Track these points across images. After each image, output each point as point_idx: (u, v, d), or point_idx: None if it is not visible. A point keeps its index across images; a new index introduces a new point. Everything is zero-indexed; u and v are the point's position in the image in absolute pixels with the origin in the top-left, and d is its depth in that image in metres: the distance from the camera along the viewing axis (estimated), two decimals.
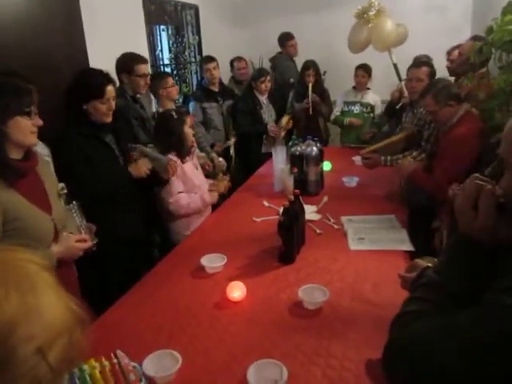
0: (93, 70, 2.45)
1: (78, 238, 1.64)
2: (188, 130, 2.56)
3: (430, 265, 1.06)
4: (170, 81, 3.30)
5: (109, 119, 2.18)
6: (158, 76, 3.39)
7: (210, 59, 3.95)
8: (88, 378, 0.98)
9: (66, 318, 0.56)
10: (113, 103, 2.16)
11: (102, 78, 2.14)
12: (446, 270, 0.81)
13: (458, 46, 3.32)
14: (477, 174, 0.81)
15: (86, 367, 1.01)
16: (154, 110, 3.48)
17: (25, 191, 1.49)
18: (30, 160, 1.54)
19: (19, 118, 1.46)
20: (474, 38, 3.06)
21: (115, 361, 1.06)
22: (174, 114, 2.57)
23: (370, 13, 3.67)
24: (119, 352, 1.12)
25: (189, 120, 2.59)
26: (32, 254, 0.59)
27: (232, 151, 3.94)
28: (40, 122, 1.54)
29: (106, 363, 1.05)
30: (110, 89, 2.13)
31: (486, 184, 0.77)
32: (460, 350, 0.67)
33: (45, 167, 1.66)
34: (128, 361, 1.09)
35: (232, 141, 3.95)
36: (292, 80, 4.71)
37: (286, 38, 4.91)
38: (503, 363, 0.63)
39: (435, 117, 2.40)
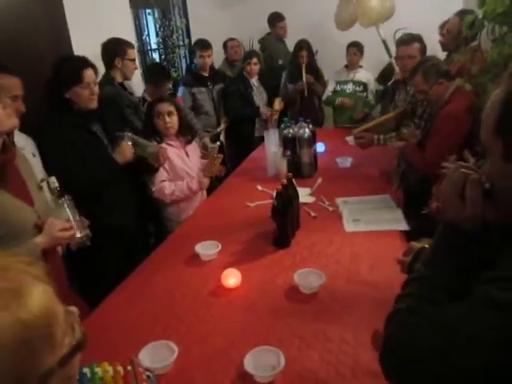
0: (69, 56, 2.39)
1: (61, 226, 1.58)
2: (156, 121, 2.50)
3: (426, 246, 1.04)
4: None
5: (93, 104, 2.11)
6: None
7: (206, 46, 3.84)
8: (99, 382, 0.96)
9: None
10: (95, 88, 2.09)
11: (79, 62, 2.08)
12: (435, 263, 0.80)
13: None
14: (461, 162, 0.80)
15: (98, 370, 0.98)
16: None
17: (5, 185, 1.45)
18: (7, 153, 1.49)
19: None
20: (460, 13, 3.00)
21: (130, 368, 1.03)
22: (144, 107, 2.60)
23: None
24: (136, 359, 1.10)
25: (157, 108, 2.49)
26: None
27: (222, 137, 3.88)
28: (9, 102, 1.48)
29: (120, 369, 1.02)
30: (89, 73, 2.06)
31: (471, 173, 0.76)
32: (453, 346, 0.65)
33: (22, 160, 1.62)
34: (143, 369, 1.07)
35: (222, 126, 3.88)
36: (281, 62, 4.64)
37: (275, 19, 4.80)
38: (497, 357, 0.61)
39: (426, 96, 2.36)
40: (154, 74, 3.30)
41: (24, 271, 0.57)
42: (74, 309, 0.62)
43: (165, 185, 2.47)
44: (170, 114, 2.49)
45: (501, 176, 0.70)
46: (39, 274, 0.58)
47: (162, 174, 2.48)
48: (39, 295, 0.55)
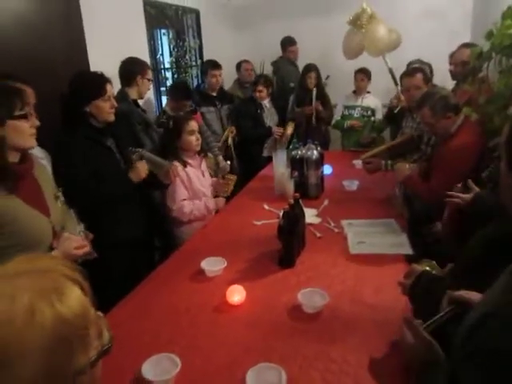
0: (87, 71, 2.46)
1: (77, 244, 1.60)
2: (186, 138, 2.55)
3: (427, 269, 1.06)
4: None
5: (112, 118, 2.18)
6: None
7: (217, 66, 3.95)
8: None
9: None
10: (114, 101, 2.17)
11: (100, 77, 2.16)
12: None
13: None
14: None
15: None
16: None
17: (22, 194, 1.47)
18: (26, 163, 1.52)
19: (16, 121, 1.43)
20: (466, 45, 3.07)
21: None
22: (170, 123, 2.64)
23: (363, 19, 3.68)
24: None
25: (189, 126, 2.56)
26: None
27: (230, 141, 3.93)
28: (37, 123, 1.53)
29: None
30: (109, 87, 2.15)
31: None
32: None
33: (41, 170, 1.65)
34: None
35: (230, 129, 3.93)
36: (292, 84, 4.73)
37: (287, 43, 4.94)
38: None
39: (432, 129, 2.36)
40: (176, 90, 3.49)
41: (64, 274, 0.60)
42: (100, 314, 0.65)
43: (184, 204, 2.51)
44: (198, 131, 2.61)
45: (507, 182, 0.83)
46: (77, 277, 0.61)
47: (182, 194, 2.52)
48: (78, 296, 0.58)
